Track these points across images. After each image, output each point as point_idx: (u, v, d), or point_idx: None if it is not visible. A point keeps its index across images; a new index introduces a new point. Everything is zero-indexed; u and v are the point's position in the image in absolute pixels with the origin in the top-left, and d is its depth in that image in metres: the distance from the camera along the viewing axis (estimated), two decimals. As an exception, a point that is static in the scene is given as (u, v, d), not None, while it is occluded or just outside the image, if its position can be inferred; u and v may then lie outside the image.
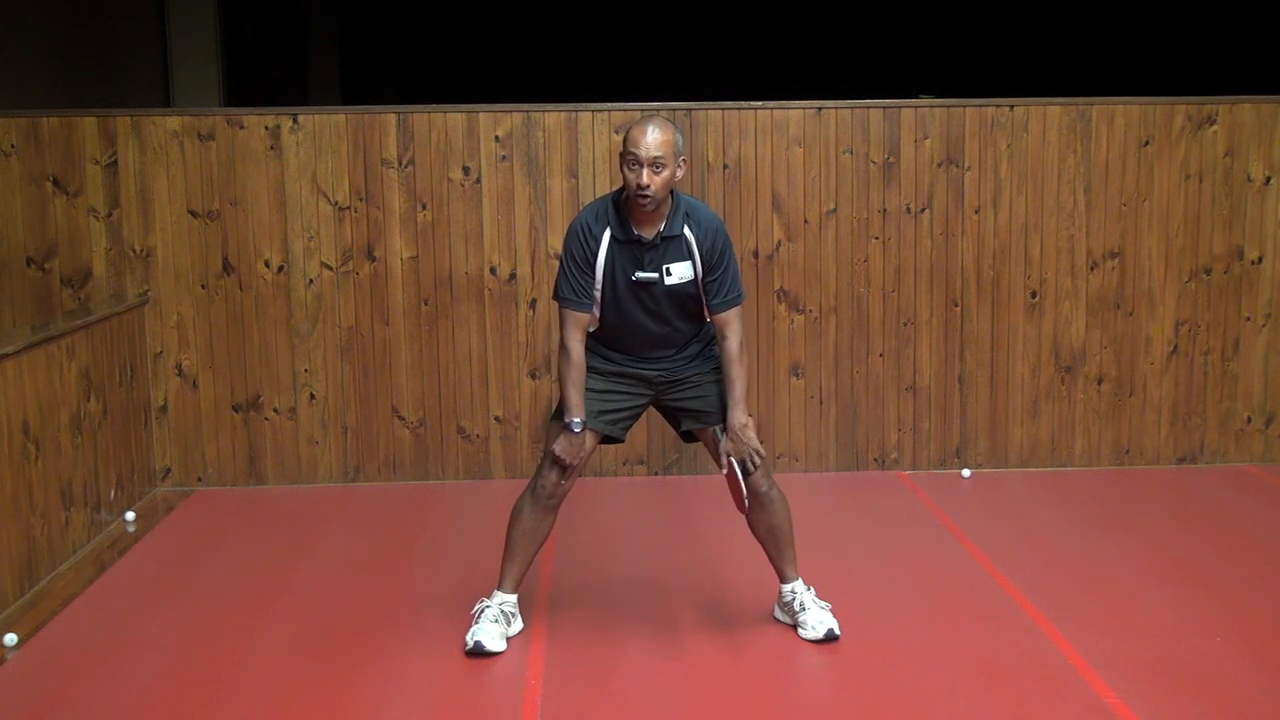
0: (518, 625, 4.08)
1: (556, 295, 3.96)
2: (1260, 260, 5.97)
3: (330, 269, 5.77)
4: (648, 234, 3.85)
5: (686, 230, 3.87)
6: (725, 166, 5.82)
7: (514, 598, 4.07)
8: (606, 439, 4.06)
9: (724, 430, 3.94)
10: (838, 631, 4.01)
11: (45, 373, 4.71)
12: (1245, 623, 4.16)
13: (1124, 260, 5.94)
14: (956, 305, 5.94)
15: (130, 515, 5.34)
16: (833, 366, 5.95)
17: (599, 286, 3.88)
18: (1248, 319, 6.00)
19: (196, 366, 5.79)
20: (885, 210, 5.87)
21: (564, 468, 3.92)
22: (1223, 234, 5.95)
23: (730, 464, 3.91)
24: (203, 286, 5.75)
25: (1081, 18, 13.75)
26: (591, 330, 3.98)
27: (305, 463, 5.88)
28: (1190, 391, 6.03)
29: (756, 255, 5.86)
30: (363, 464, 5.89)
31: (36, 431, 4.59)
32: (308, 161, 5.71)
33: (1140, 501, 5.56)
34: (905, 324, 5.94)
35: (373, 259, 5.77)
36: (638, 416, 4.12)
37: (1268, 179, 5.93)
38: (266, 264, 5.75)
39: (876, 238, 5.88)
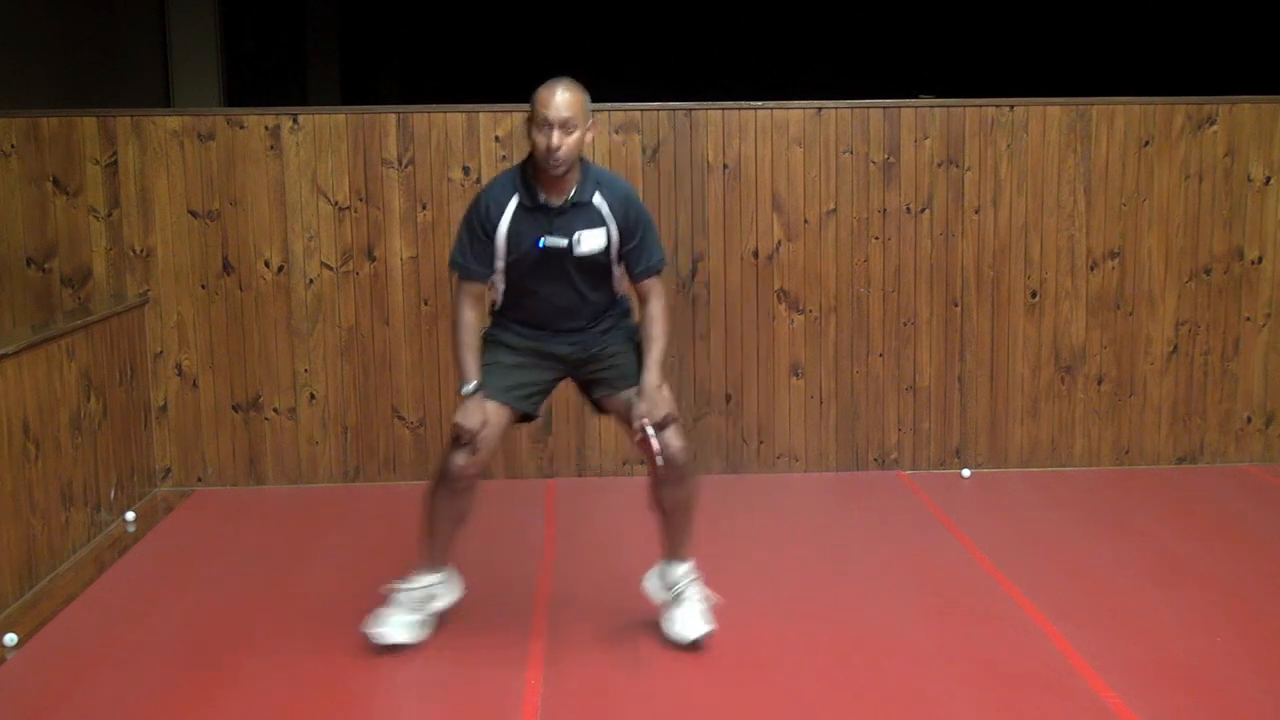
0: (446, 600, 4.01)
1: (451, 263, 3.87)
2: (1260, 260, 5.97)
3: (330, 269, 5.77)
4: (556, 200, 3.75)
5: (598, 197, 3.78)
6: (725, 166, 5.82)
7: (439, 575, 3.98)
8: (521, 418, 3.96)
9: (639, 394, 3.83)
10: (704, 640, 3.90)
11: (45, 373, 4.71)
12: (1245, 623, 4.16)
13: (1124, 260, 5.94)
14: (956, 305, 5.94)
15: (130, 515, 5.34)
16: (833, 366, 5.95)
17: (502, 256, 3.79)
18: (1248, 319, 6.00)
19: (196, 366, 5.79)
20: (885, 210, 5.87)
21: (468, 441, 3.77)
22: (1223, 234, 5.95)
23: (644, 427, 3.77)
24: (203, 286, 5.75)
25: (1081, 18, 13.75)
26: (501, 305, 3.91)
27: (305, 463, 5.88)
28: (1190, 391, 6.03)
29: (756, 255, 5.86)
30: (363, 464, 5.89)
31: (36, 431, 4.59)
32: (308, 161, 5.71)
33: (1140, 501, 5.56)
34: (905, 324, 5.94)
35: (373, 259, 5.77)
36: (549, 392, 4.01)
37: (1268, 179, 5.93)
38: (266, 264, 5.75)
39: (876, 238, 5.88)
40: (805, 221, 5.86)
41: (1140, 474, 5.97)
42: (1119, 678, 3.73)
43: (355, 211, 5.75)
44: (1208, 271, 5.97)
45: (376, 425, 5.86)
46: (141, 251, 5.71)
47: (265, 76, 11.00)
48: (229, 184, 5.71)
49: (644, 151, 5.79)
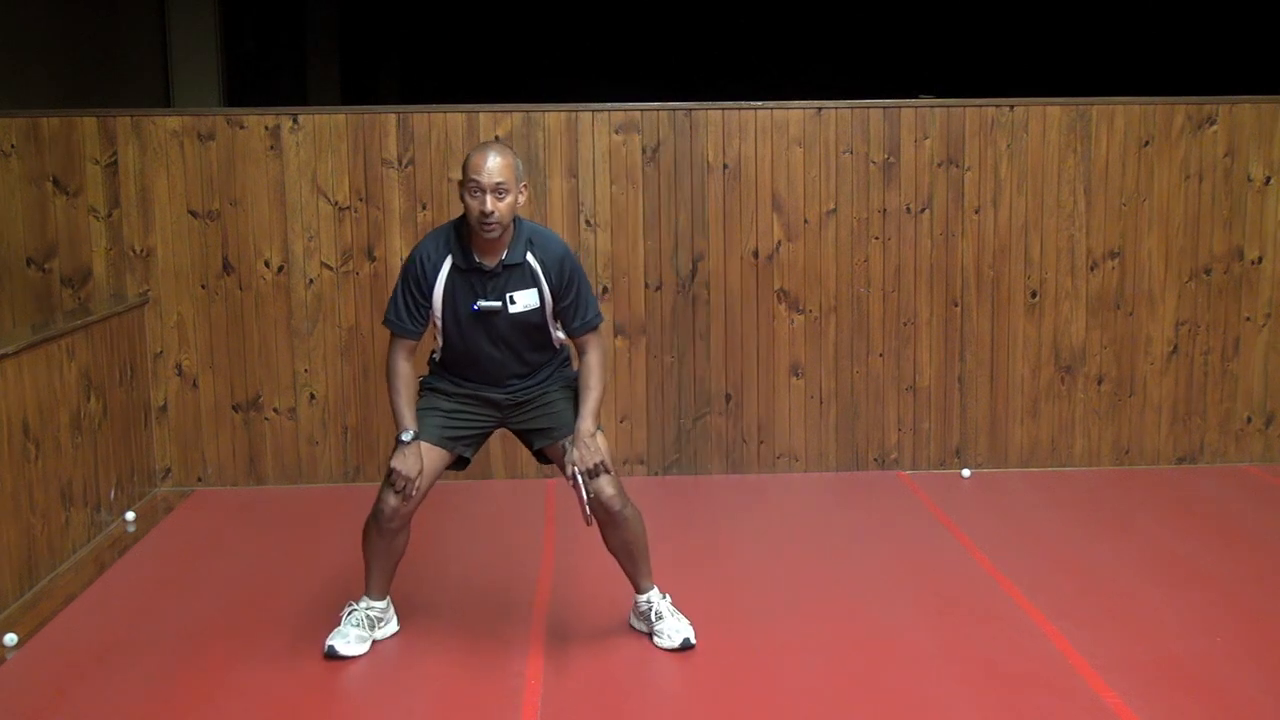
0: (389, 629, 4.08)
1: (386, 319, 3.93)
2: (1260, 260, 5.97)
3: (330, 269, 5.77)
4: (489, 262, 3.80)
5: (530, 257, 3.83)
6: (725, 166, 5.82)
7: (382, 603, 4.05)
8: (455, 462, 4.01)
9: (572, 442, 3.86)
10: (693, 640, 3.97)
11: (45, 373, 4.71)
12: (1245, 623, 4.16)
13: (1124, 260, 5.94)
14: (956, 305, 5.94)
15: (130, 515, 5.34)
16: (833, 366, 5.95)
17: (438, 315, 3.85)
18: (1248, 319, 6.00)
19: (196, 366, 5.79)
20: (885, 210, 5.87)
21: (401, 488, 3.82)
22: (1223, 234, 5.95)
23: (575, 475, 3.81)
24: (203, 286, 5.75)
25: (1081, 18, 13.74)
26: (436, 357, 3.97)
27: (305, 463, 5.88)
28: (1190, 391, 6.03)
29: (756, 255, 5.86)
30: (363, 464, 5.89)
31: (36, 431, 4.59)
32: (308, 161, 5.71)
33: (1140, 501, 5.56)
34: (905, 324, 5.94)
35: (373, 259, 5.77)
36: (485, 437, 4.07)
37: (1268, 179, 5.93)
38: (266, 264, 5.75)
39: (876, 238, 5.88)
40: (805, 221, 5.86)
41: (1140, 474, 5.97)
42: (1119, 678, 3.73)
43: (355, 211, 5.75)
44: (1208, 271, 5.97)
45: (376, 425, 5.86)
46: (141, 251, 5.71)
47: (265, 76, 11.00)
48: (229, 184, 5.71)
49: (644, 151, 5.79)
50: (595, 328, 3.95)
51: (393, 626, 4.11)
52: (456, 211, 5.74)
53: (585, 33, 15.18)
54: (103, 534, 5.14)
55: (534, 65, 15.02)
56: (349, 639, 3.94)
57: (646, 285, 5.85)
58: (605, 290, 5.80)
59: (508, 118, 5.76)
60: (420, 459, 3.84)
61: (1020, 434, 6.02)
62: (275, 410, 5.84)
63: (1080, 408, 6.02)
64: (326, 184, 5.73)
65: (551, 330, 3.94)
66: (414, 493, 3.84)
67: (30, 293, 5.68)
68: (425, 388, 4.02)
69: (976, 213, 5.89)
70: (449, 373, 3.97)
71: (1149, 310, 5.97)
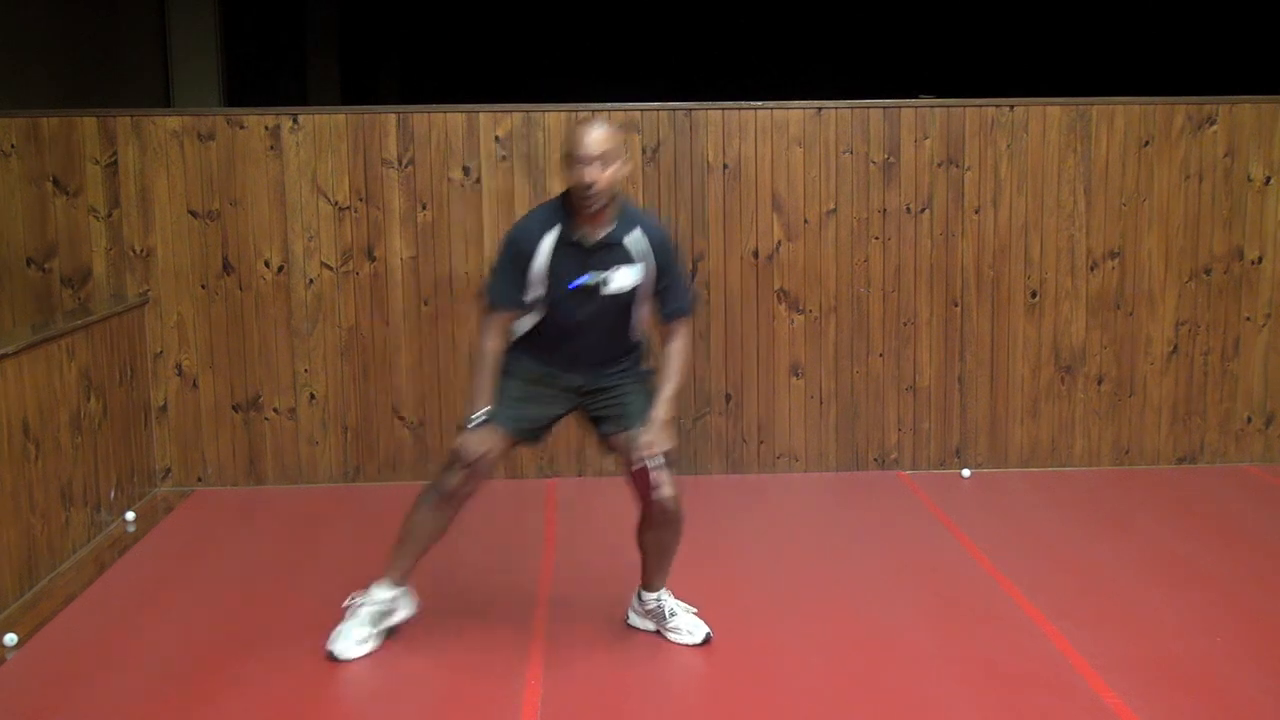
0: (401, 615, 4.04)
1: (483, 292, 3.93)
2: (1260, 260, 5.97)
3: (330, 269, 5.77)
4: (593, 237, 3.80)
5: (631, 236, 3.84)
6: (725, 166, 5.82)
7: (393, 592, 4.01)
8: (518, 445, 4.00)
9: (644, 427, 3.82)
10: (712, 634, 3.99)
11: (45, 373, 4.71)
12: (1245, 623, 4.16)
13: (1124, 260, 5.94)
14: (956, 305, 5.94)
15: (130, 515, 5.34)
16: (833, 366, 5.95)
17: (538, 290, 3.82)
18: (1248, 319, 6.00)
19: (196, 366, 5.79)
20: (885, 210, 5.87)
21: (468, 465, 3.82)
22: (1223, 234, 5.95)
23: (645, 459, 3.77)
24: (203, 286, 5.76)
25: (1081, 18, 13.75)
26: (519, 337, 3.94)
27: (305, 463, 5.88)
28: (1190, 391, 6.03)
29: (756, 255, 5.86)
30: (363, 464, 5.89)
31: (36, 431, 4.59)
32: (308, 161, 5.71)
33: (1140, 501, 5.56)
34: (905, 324, 5.94)
35: (373, 259, 5.77)
36: (553, 426, 4.06)
37: (1268, 179, 5.93)
38: (266, 264, 5.75)
39: (876, 238, 5.88)
40: (805, 221, 5.86)
41: (1140, 474, 5.97)
42: (1119, 678, 3.73)
43: (355, 211, 5.75)
44: (1208, 271, 5.97)
45: (376, 425, 5.86)
46: (141, 251, 5.71)
47: (265, 76, 11.00)
48: (229, 184, 5.71)
49: (644, 151, 5.79)
50: (687, 315, 3.97)
51: (406, 611, 4.06)
52: (456, 211, 5.76)
53: (585, 33, 15.19)
54: (103, 534, 5.14)
55: (534, 65, 15.03)
56: (350, 640, 3.93)
57: (646, 285, 5.85)
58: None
59: (508, 118, 5.76)
60: (489, 439, 3.83)
61: (1020, 434, 6.03)
62: (275, 410, 5.84)
63: (1080, 408, 6.02)
64: (326, 184, 5.73)
65: (638, 316, 3.93)
66: (478, 471, 3.83)
67: (30, 293, 5.68)
68: (502, 370, 3.98)
69: (976, 213, 5.89)
70: (532, 352, 3.94)
71: (1149, 310, 5.97)
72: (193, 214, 5.72)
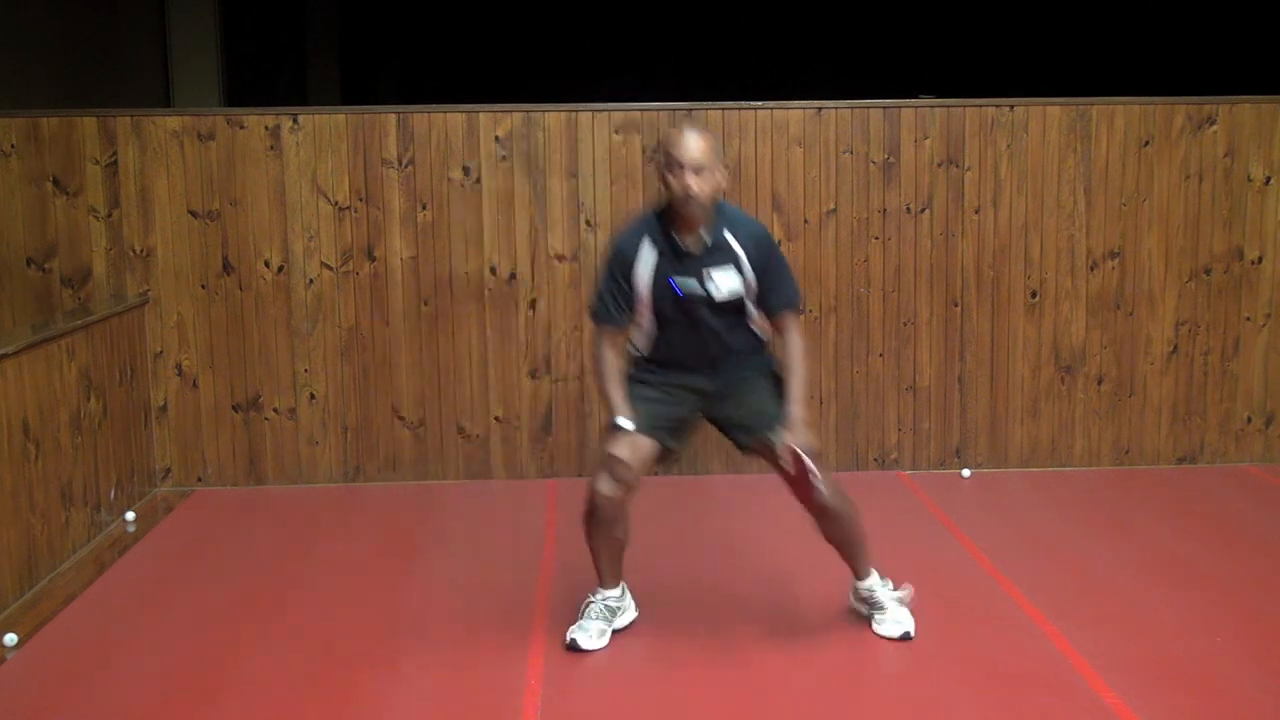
0: (627, 617, 4.09)
1: (591, 313, 3.96)
2: (1260, 260, 5.97)
3: (330, 269, 5.77)
4: (691, 244, 3.82)
5: (729, 237, 3.85)
6: (725, 166, 5.81)
7: (616, 591, 4.06)
8: (664, 452, 4.00)
9: (783, 427, 3.88)
10: (913, 634, 4.02)
11: (45, 373, 4.71)
12: (1245, 623, 4.16)
13: (1124, 260, 5.94)
14: (956, 305, 5.94)
15: (130, 515, 5.34)
16: (833, 366, 5.95)
17: (644, 301, 3.85)
18: (1248, 319, 6.00)
19: (196, 366, 5.79)
20: (885, 210, 5.87)
21: (618, 476, 3.82)
22: (1223, 234, 5.95)
23: (799, 456, 3.82)
24: (203, 286, 5.76)
25: (1081, 18, 13.75)
26: (635, 351, 3.97)
27: (305, 463, 5.88)
28: (1190, 391, 6.03)
29: (756, 255, 5.86)
30: (363, 464, 5.89)
31: (36, 431, 4.59)
32: (308, 161, 5.71)
33: (1140, 501, 5.56)
34: (905, 324, 5.94)
35: (373, 259, 5.77)
36: (689, 426, 4.08)
37: (1268, 179, 5.93)
38: (266, 264, 5.76)
39: (876, 238, 5.88)
40: (805, 221, 5.86)
41: (1140, 474, 5.96)
42: (1119, 678, 3.73)
43: (355, 211, 5.75)
44: (1208, 271, 5.97)
45: (376, 425, 5.86)
46: (141, 251, 5.72)
47: (265, 76, 11.00)
48: (229, 184, 5.71)
49: (644, 151, 5.78)
50: (795, 307, 3.98)
51: (631, 614, 4.11)
52: (456, 211, 5.76)
53: (585, 33, 15.19)
54: (103, 534, 5.14)
55: (534, 65, 15.03)
56: (590, 632, 3.96)
57: (646, 285, 5.85)
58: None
59: (508, 118, 5.76)
60: (633, 445, 3.85)
61: (1020, 434, 6.03)
62: (275, 410, 5.84)
63: (1080, 408, 6.02)
64: (326, 184, 5.73)
65: (753, 314, 3.94)
66: (627, 478, 3.83)
67: (30, 293, 5.68)
68: (628, 381, 3.99)
69: (976, 213, 5.89)
70: (651, 363, 3.97)
71: (1149, 310, 5.97)
72: (193, 214, 5.72)
